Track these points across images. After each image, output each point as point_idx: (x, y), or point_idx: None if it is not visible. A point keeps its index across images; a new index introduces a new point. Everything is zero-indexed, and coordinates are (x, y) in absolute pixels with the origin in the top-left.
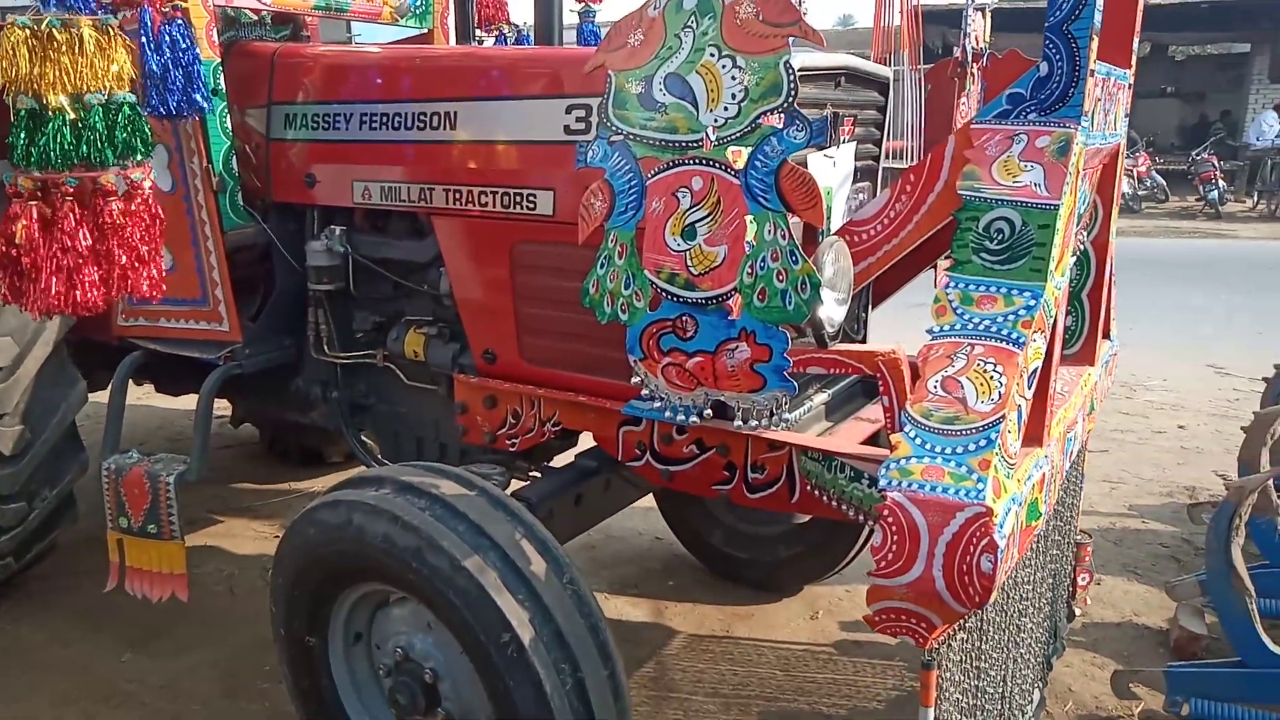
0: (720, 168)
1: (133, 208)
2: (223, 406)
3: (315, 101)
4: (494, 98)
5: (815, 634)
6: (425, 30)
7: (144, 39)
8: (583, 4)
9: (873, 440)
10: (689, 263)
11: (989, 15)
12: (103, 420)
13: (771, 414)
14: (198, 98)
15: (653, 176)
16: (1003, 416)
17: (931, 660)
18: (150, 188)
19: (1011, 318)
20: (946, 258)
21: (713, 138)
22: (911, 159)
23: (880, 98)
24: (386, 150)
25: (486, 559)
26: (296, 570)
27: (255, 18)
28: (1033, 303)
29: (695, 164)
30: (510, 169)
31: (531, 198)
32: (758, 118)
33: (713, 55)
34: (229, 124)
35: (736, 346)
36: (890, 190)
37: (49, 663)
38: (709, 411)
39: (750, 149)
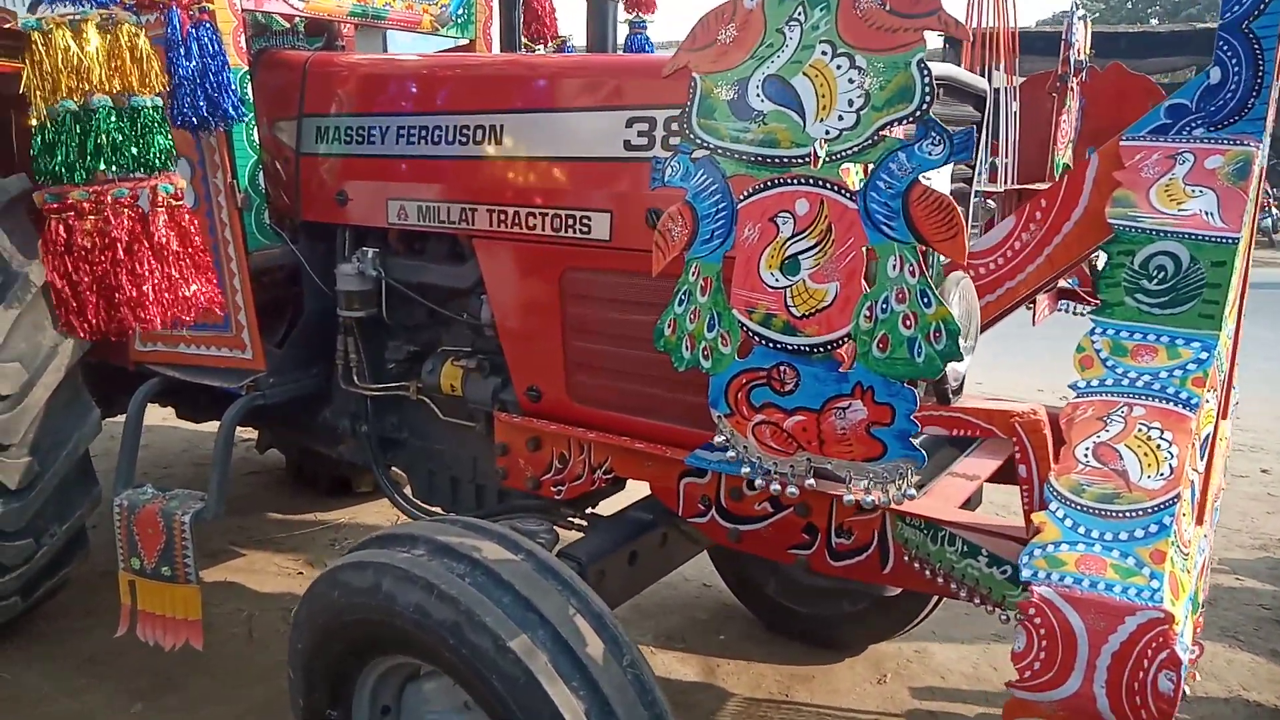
0: (832, 188)
1: (183, 219)
2: (248, 430)
3: (349, 114)
4: (544, 109)
5: (884, 701)
6: (468, 40)
7: (172, 41)
8: (634, 14)
9: (968, 503)
10: (790, 302)
11: (1089, 26)
12: (118, 448)
13: (895, 487)
14: (228, 107)
15: (746, 198)
16: (1177, 496)
17: None
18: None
19: (1179, 373)
20: (1049, 292)
21: (823, 153)
22: (1008, 182)
23: (976, 113)
24: (425, 167)
25: (535, 638)
26: (317, 637)
27: (287, 25)
28: (1204, 355)
29: (801, 184)
30: (562, 189)
31: (585, 220)
32: (882, 129)
33: (825, 54)
34: (256, 137)
35: (849, 405)
36: (1016, 218)
37: (54, 715)
38: (811, 482)
39: (872, 166)
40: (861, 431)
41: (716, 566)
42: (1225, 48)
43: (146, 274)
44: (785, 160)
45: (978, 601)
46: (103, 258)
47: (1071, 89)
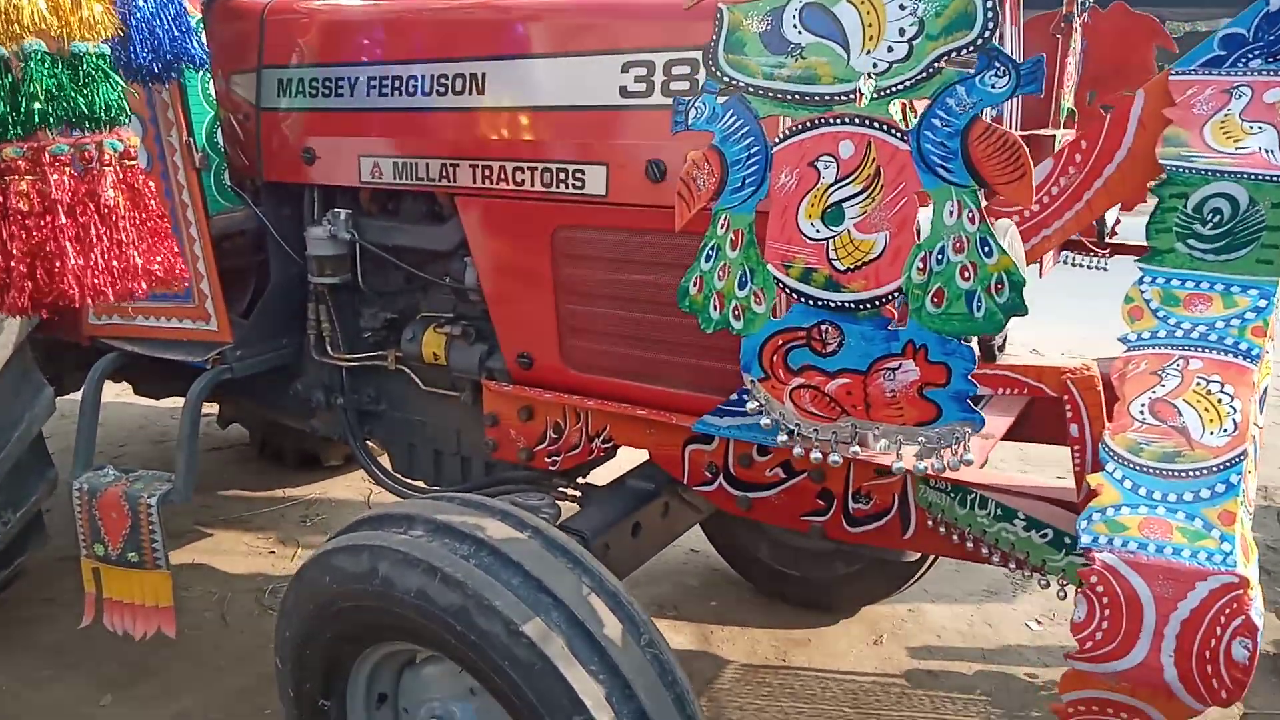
0: (881, 128)
1: (136, 180)
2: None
3: (314, 64)
4: (531, 55)
5: (882, 663)
6: None
7: None
8: None
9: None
10: (832, 254)
11: None
12: (74, 428)
13: (951, 452)
14: (193, 49)
15: (782, 141)
16: (1243, 453)
17: None
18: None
19: (1237, 323)
20: (1100, 246)
21: (867, 90)
22: (1013, 128)
23: None
24: (400, 120)
25: (549, 620)
26: (308, 626)
27: None
28: (1263, 304)
29: (844, 123)
30: (552, 141)
31: (579, 174)
32: (937, 60)
33: None
34: (213, 92)
35: (899, 365)
36: (1054, 161)
37: (17, 710)
38: (857, 448)
39: (926, 102)
40: (913, 393)
41: (706, 532)
42: None
43: (94, 240)
44: (826, 98)
45: (1013, 566)
46: (42, 223)
47: (1075, 29)
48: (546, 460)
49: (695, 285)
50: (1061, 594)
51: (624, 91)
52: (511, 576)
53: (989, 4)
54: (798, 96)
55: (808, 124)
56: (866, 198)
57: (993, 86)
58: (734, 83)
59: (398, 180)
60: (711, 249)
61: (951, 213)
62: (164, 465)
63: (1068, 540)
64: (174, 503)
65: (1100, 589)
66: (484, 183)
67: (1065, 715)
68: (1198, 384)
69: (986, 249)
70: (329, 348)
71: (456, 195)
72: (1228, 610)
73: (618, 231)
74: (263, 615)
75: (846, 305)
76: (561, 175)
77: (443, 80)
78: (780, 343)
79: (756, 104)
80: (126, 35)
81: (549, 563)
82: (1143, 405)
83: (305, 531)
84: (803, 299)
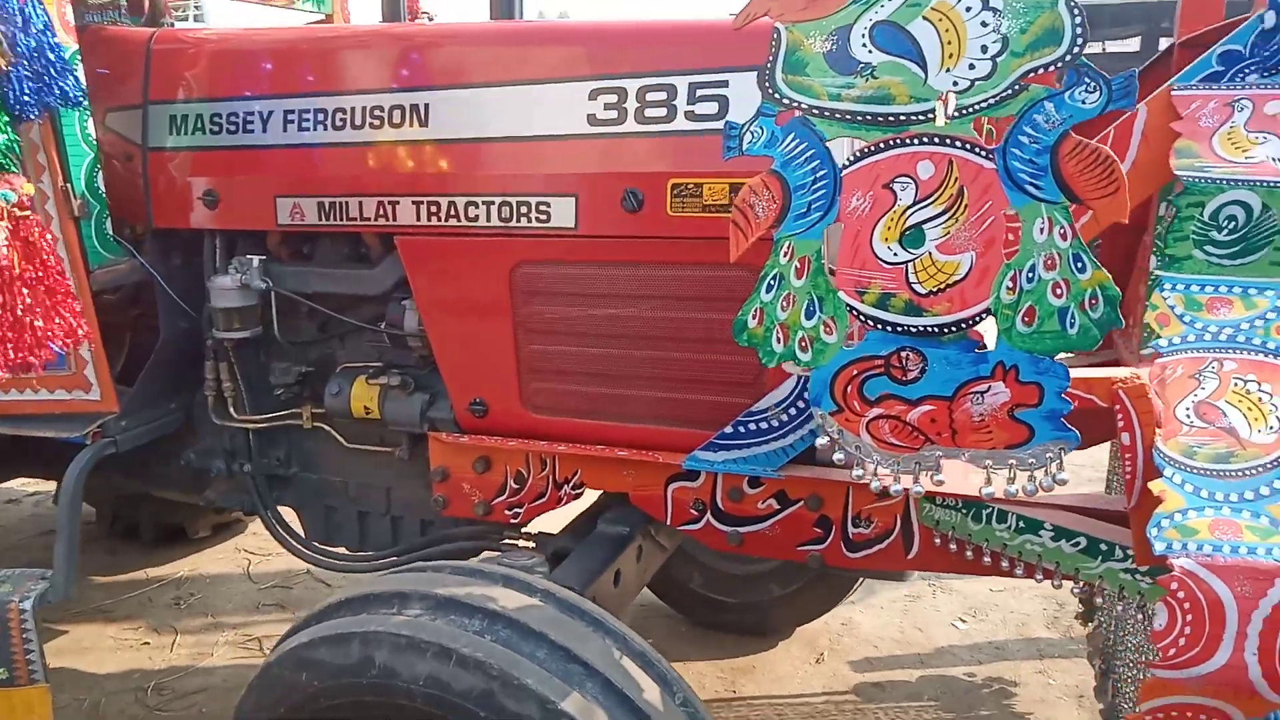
0: (964, 147)
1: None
2: (30, 481)
3: (215, 99)
4: (479, 84)
5: (828, 679)
6: (324, 15)
7: (7, 12)
8: None
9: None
10: (913, 278)
11: None
12: None
13: (1044, 472)
14: (69, 88)
15: (853, 164)
16: None
17: None
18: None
19: (1260, 323)
20: None
21: (951, 108)
22: None
23: None
24: (325, 157)
25: (586, 693)
26: None
27: None
28: None
29: (923, 143)
30: (511, 173)
31: (544, 207)
32: (1024, 76)
33: None
34: (92, 132)
35: (988, 388)
36: None
37: None
38: (941, 477)
39: (1013, 120)
40: (1004, 416)
41: None
42: None
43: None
44: (902, 118)
45: (1040, 578)
46: None
47: None
48: (507, 513)
49: (755, 318)
50: (1083, 597)
51: (592, 119)
52: (535, 649)
53: (1078, 19)
54: (869, 117)
55: (881, 145)
56: (950, 218)
57: (1083, 102)
58: (795, 104)
59: (325, 221)
60: (774, 279)
61: (1042, 230)
62: (27, 562)
63: (1103, 547)
64: (52, 602)
65: (1181, 594)
66: (430, 220)
67: None
68: (1235, 384)
69: (1080, 265)
70: (233, 409)
71: (396, 235)
72: None
73: (589, 265)
74: (149, 718)
75: (930, 330)
76: (523, 209)
77: (377, 113)
78: (855, 373)
79: (822, 126)
80: (3, 70)
81: (572, 628)
82: (1188, 409)
83: (181, 615)
84: (880, 325)
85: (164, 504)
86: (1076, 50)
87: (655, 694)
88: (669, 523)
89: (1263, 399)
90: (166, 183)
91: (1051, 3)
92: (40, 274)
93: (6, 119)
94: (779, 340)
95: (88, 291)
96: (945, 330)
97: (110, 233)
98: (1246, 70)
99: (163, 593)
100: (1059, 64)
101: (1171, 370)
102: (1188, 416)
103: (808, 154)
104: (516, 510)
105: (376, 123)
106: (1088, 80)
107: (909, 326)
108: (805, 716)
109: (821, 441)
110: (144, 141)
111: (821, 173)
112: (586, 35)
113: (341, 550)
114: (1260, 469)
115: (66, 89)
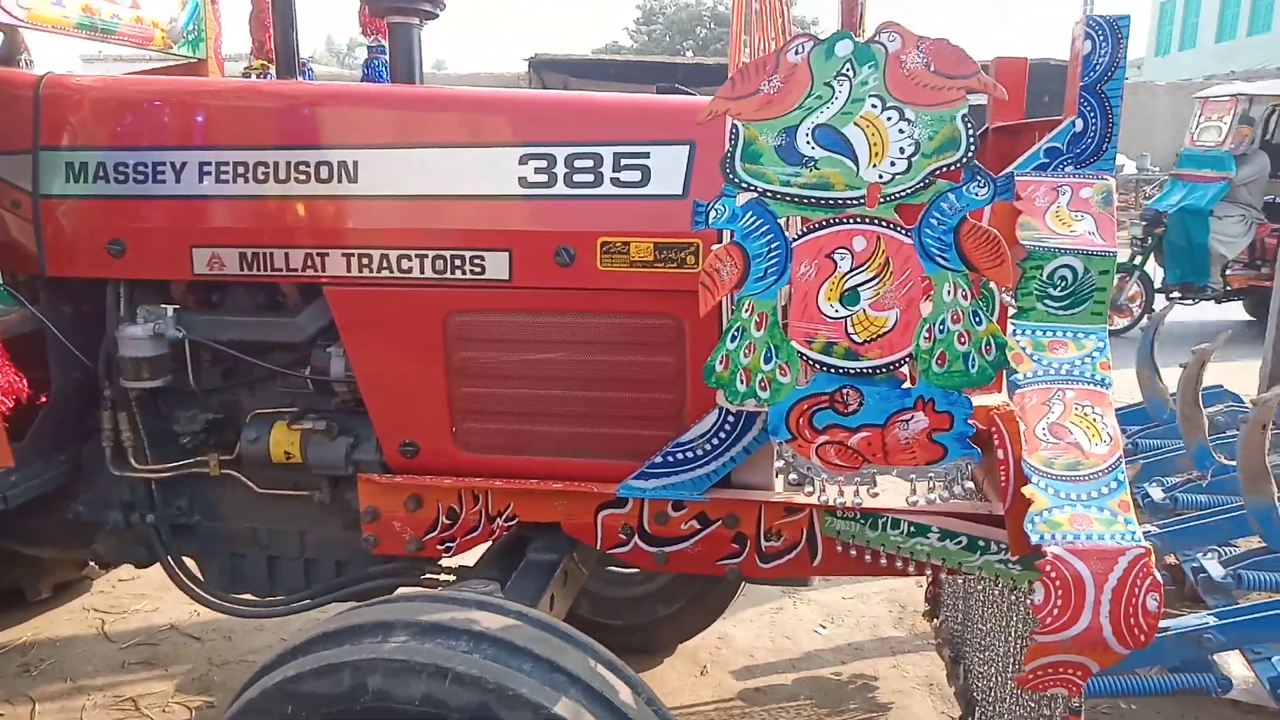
0: (888, 226)
1: None
2: None
3: (120, 147)
4: (414, 145)
5: (715, 689)
6: (198, 59)
7: None
8: (374, 38)
9: None
10: (851, 330)
11: None
12: None
13: (955, 482)
14: None
15: (801, 238)
16: (1120, 455)
17: (1079, 706)
18: None
19: (1090, 360)
20: None
21: (878, 195)
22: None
23: None
24: (247, 209)
25: (573, 698)
26: None
27: None
28: (1102, 344)
29: (856, 222)
30: (443, 229)
31: (478, 260)
32: (932, 173)
33: (875, 106)
34: None
35: (912, 417)
36: None
37: None
38: (877, 490)
39: (925, 205)
40: (924, 439)
41: None
42: (1085, 104)
43: None
44: (840, 202)
45: (928, 573)
46: None
47: None
48: (439, 548)
49: (721, 363)
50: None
51: (524, 181)
52: (522, 663)
53: (970, 132)
54: (814, 200)
55: (824, 223)
56: (879, 282)
57: (976, 194)
58: (752, 188)
59: (246, 272)
60: (737, 330)
61: (949, 291)
62: None
63: (980, 543)
64: None
65: (1054, 574)
66: (361, 272)
67: (1027, 681)
68: (1076, 408)
69: (977, 319)
70: (133, 459)
71: (327, 285)
72: (1141, 574)
73: (521, 314)
74: None
75: (865, 371)
76: (457, 262)
77: (303, 168)
78: (805, 407)
79: (775, 206)
80: None
81: (550, 643)
82: (1044, 429)
83: (35, 682)
84: (825, 368)
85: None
86: (970, 154)
87: (629, 695)
88: (599, 547)
89: (1096, 419)
90: (64, 231)
91: (951, 118)
92: None
93: None
94: (743, 381)
95: None
96: (877, 371)
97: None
98: (1064, 163)
99: (8, 661)
100: (958, 164)
101: (1029, 398)
102: (1044, 435)
103: (763, 228)
104: (449, 544)
105: (302, 177)
106: (979, 178)
107: (848, 369)
108: None
109: (778, 464)
110: (35, 188)
111: (775, 244)
112: (520, 104)
113: (247, 596)
114: (1100, 473)
115: None
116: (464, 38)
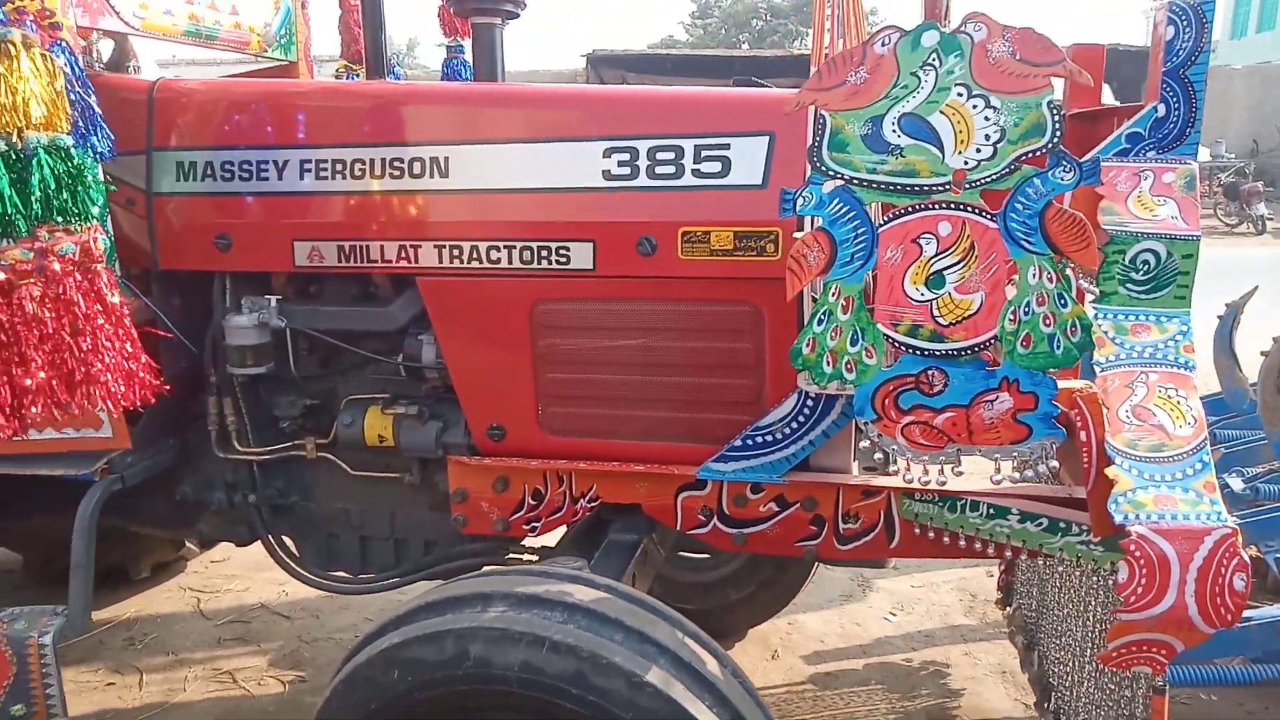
0: (974, 211)
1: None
2: None
3: (227, 146)
4: (498, 141)
5: (786, 674)
6: (290, 61)
7: (70, 62)
8: (452, 38)
9: None
10: (936, 312)
11: None
12: None
13: (1040, 462)
14: (95, 140)
15: (887, 223)
16: (1205, 438)
17: (1164, 685)
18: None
19: (1173, 344)
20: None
21: (964, 181)
22: None
23: None
24: (344, 204)
25: (663, 667)
26: None
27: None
28: (1185, 328)
29: (942, 208)
30: (530, 221)
31: (563, 251)
32: (1018, 159)
33: (960, 95)
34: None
35: (996, 398)
36: None
37: None
38: (961, 469)
39: (1010, 191)
40: (1009, 419)
41: None
42: (1168, 89)
43: (110, 345)
44: (926, 188)
45: (1009, 555)
46: (57, 328)
47: None
48: (525, 527)
49: (808, 346)
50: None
51: (607, 175)
52: (614, 634)
53: (1056, 117)
54: (899, 187)
55: (909, 209)
56: (964, 266)
57: (1061, 179)
58: (839, 175)
59: (344, 264)
60: (823, 314)
61: (1034, 275)
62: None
63: (1062, 525)
64: (69, 637)
65: (1138, 554)
66: (452, 263)
67: (1110, 659)
68: (1159, 391)
69: (1063, 301)
70: (236, 442)
71: (418, 275)
72: (1228, 554)
73: (604, 302)
74: None
75: (950, 353)
76: (544, 252)
77: (397, 164)
78: (891, 388)
79: (861, 193)
80: (76, 125)
81: (641, 616)
82: (1127, 411)
83: (140, 654)
84: (911, 350)
85: (100, 545)
86: (1056, 140)
87: (715, 666)
88: (679, 528)
89: (1180, 401)
90: (175, 227)
91: (1037, 104)
92: (115, 319)
93: (98, 167)
94: (829, 363)
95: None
96: (962, 353)
97: (119, 274)
98: (1147, 148)
99: (113, 635)
100: (1043, 150)
101: (1111, 382)
102: (1127, 417)
103: (850, 215)
104: (534, 524)
105: (396, 173)
106: (1065, 163)
107: (934, 350)
108: (772, 704)
109: (864, 444)
110: (148, 186)
111: (861, 230)
112: (602, 100)
113: (341, 574)
114: (1185, 455)
115: (99, 140)
116: (521, 35)
